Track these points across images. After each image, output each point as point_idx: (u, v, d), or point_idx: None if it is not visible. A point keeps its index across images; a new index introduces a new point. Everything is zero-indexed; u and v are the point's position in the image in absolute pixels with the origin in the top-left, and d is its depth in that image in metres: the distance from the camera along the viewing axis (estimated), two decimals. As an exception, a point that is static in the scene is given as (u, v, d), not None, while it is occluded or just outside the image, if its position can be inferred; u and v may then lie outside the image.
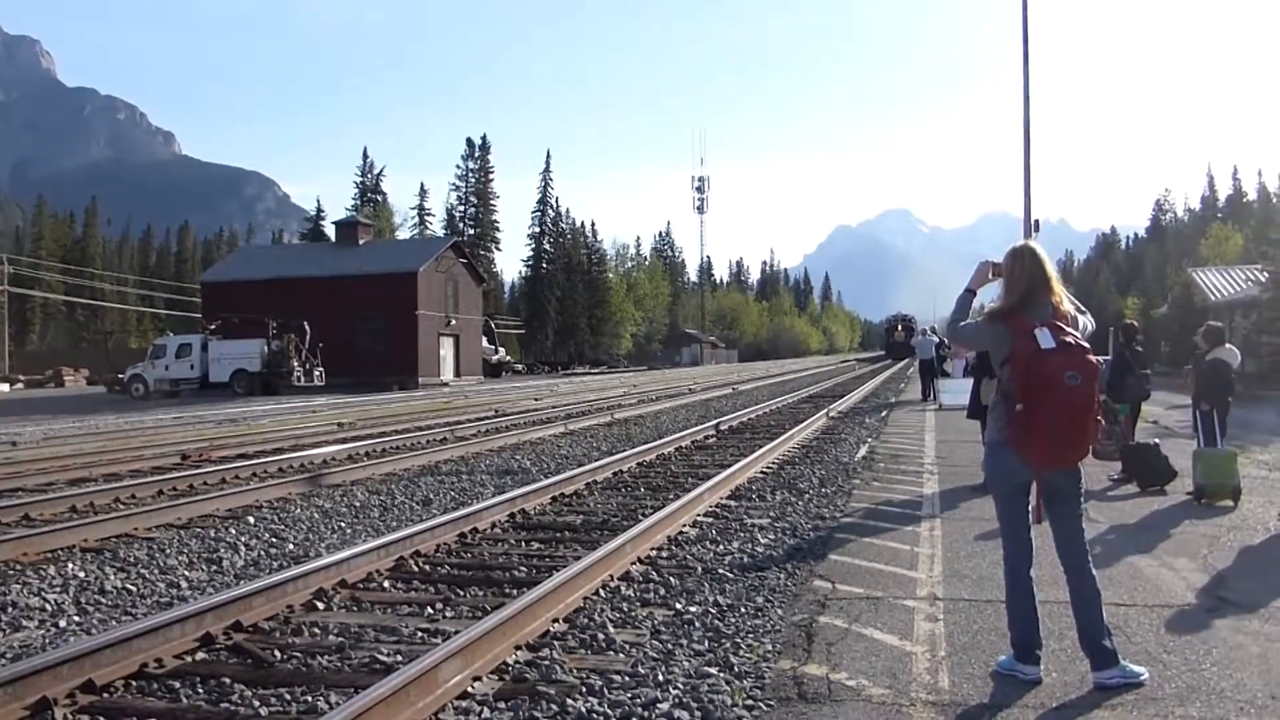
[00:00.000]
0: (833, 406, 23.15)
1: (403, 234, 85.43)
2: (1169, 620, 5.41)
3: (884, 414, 21.94)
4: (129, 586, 6.82)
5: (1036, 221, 23.45)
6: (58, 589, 6.74)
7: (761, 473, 12.05)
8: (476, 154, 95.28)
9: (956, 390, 21.33)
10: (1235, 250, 65.87)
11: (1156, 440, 10.99)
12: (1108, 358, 12.19)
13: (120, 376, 42.69)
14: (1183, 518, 8.70)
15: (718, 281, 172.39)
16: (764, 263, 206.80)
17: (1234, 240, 70.31)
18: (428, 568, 7.12)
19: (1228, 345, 10.63)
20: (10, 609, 6.21)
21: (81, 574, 7.17)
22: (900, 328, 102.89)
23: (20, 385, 60.54)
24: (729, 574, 6.77)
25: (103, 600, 6.48)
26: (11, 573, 7.25)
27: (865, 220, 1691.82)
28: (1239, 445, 12.09)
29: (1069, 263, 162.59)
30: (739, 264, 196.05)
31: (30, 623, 5.94)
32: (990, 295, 5.08)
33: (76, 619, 6.04)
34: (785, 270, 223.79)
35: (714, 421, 18.85)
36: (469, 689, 4.48)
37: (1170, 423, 17.55)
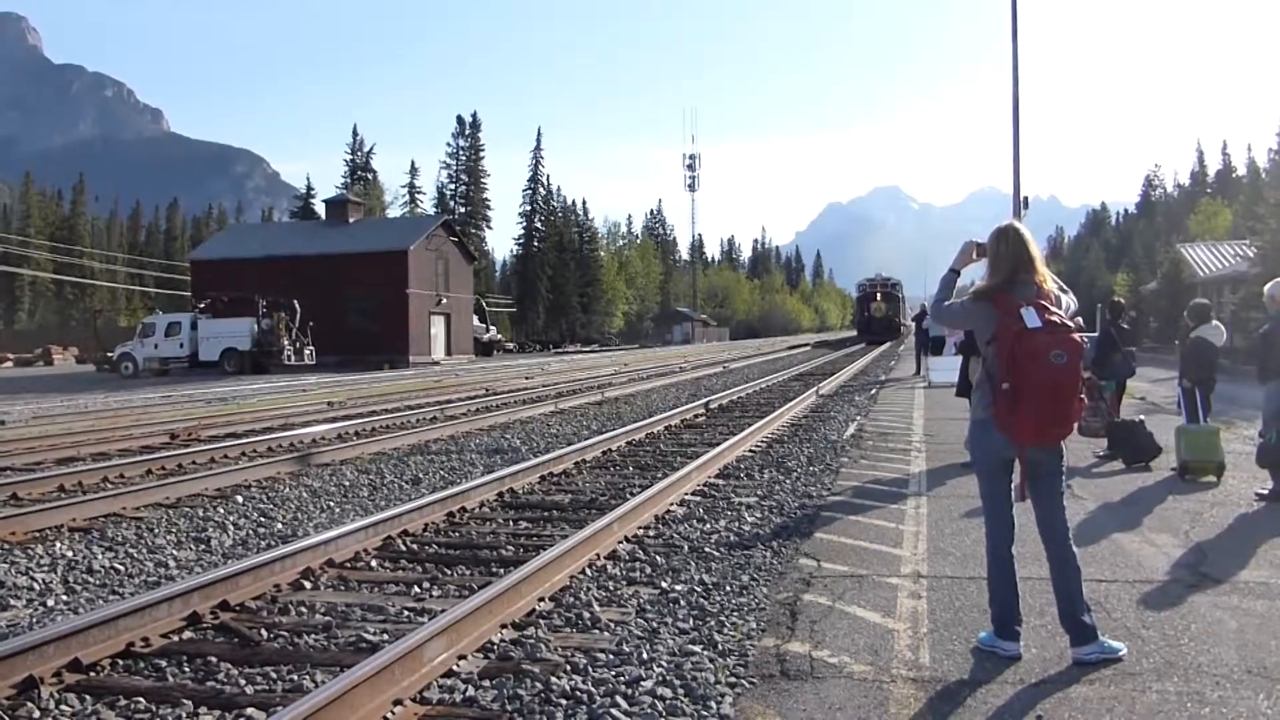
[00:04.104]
0: (822, 385, 23.19)
1: (393, 212, 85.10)
2: (1149, 596, 5.46)
3: (873, 392, 22.00)
4: (117, 566, 6.84)
5: (1025, 198, 23.47)
6: (45, 568, 6.76)
7: (750, 451, 12.09)
8: (467, 132, 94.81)
9: (945, 368, 21.37)
10: (1224, 226, 66.00)
11: (1142, 417, 11.05)
12: (1094, 335, 12.24)
13: (109, 355, 42.49)
14: (1166, 494, 8.77)
15: (709, 259, 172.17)
16: (755, 240, 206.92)
17: (1223, 216, 70.41)
18: (415, 547, 7.15)
19: (1213, 322, 10.66)
20: (-2, 588, 6.22)
21: (69, 553, 7.18)
22: (880, 297, 74.19)
23: (9, 364, 60.30)
24: (715, 552, 6.82)
25: (91, 579, 6.49)
26: (0, 552, 7.26)
27: (856, 198, 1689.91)
28: (1225, 421, 12.17)
29: (1059, 239, 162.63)
30: (731, 242, 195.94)
31: (18, 602, 5.96)
32: (975, 275, 5.09)
33: (64, 598, 6.05)
34: (777, 248, 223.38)
35: (704, 400, 18.90)
36: (454, 667, 4.51)
37: (1158, 399, 17.64)
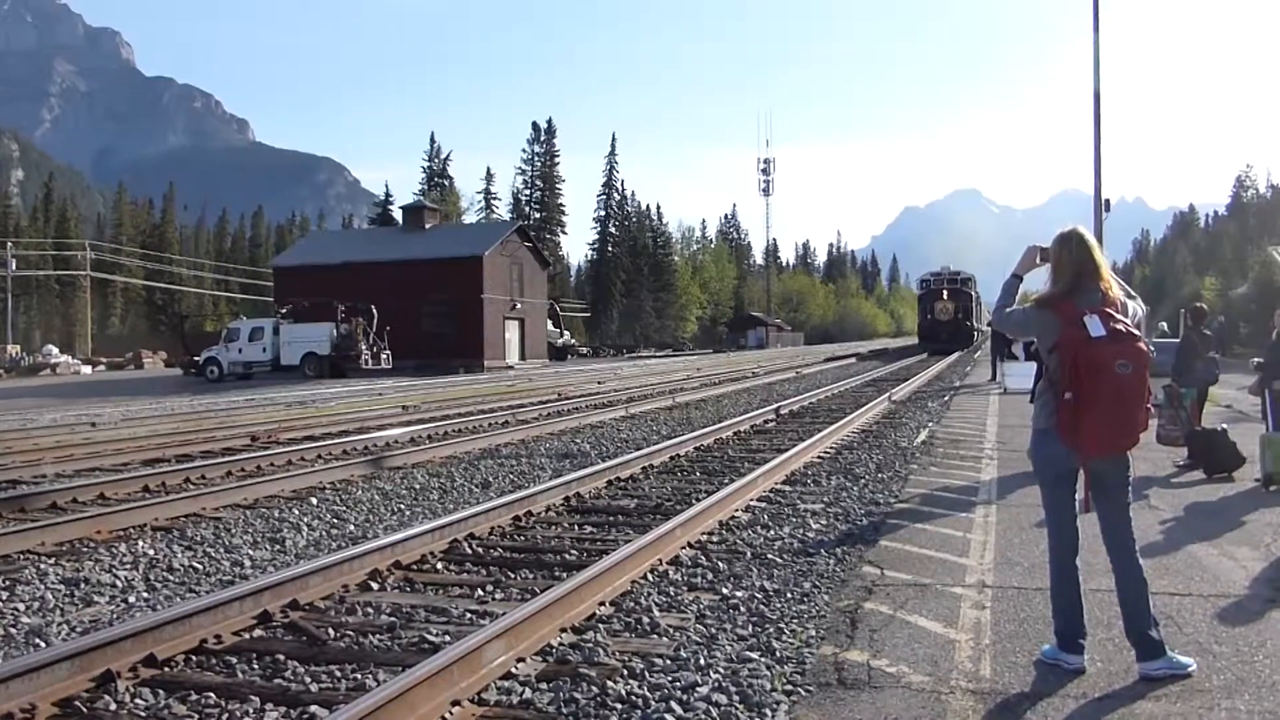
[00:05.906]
0: (895, 391, 22.92)
1: (469, 218, 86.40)
2: (1224, 611, 5.31)
3: (947, 398, 21.68)
4: (195, 564, 7.06)
5: (1107, 201, 22.94)
6: (128, 566, 7.00)
7: (819, 457, 12.01)
8: (542, 138, 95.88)
9: (1021, 374, 20.96)
10: (1320, 228, 63.71)
11: (1224, 426, 10.73)
12: (1174, 340, 11.91)
13: (196, 359, 43.81)
14: (1248, 505, 8.49)
15: (784, 264, 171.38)
16: (831, 244, 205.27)
17: (1320, 218, 67.97)
18: (481, 550, 7.24)
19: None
20: (83, 584, 6.46)
21: (151, 552, 7.43)
22: (947, 295, 60.40)
23: (101, 367, 62.54)
24: (778, 559, 6.79)
25: (170, 577, 6.71)
26: (86, 550, 7.56)
27: (933, 201, 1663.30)
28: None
29: (1145, 242, 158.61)
30: (805, 246, 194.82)
31: (101, 598, 6.18)
32: (1039, 280, 5.00)
33: (145, 595, 6.26)
34: (852, 252, 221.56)
35: (774, 405, 18.81)
36: (512, 669, 4.57)
37: (1245, 407, 17.07)
